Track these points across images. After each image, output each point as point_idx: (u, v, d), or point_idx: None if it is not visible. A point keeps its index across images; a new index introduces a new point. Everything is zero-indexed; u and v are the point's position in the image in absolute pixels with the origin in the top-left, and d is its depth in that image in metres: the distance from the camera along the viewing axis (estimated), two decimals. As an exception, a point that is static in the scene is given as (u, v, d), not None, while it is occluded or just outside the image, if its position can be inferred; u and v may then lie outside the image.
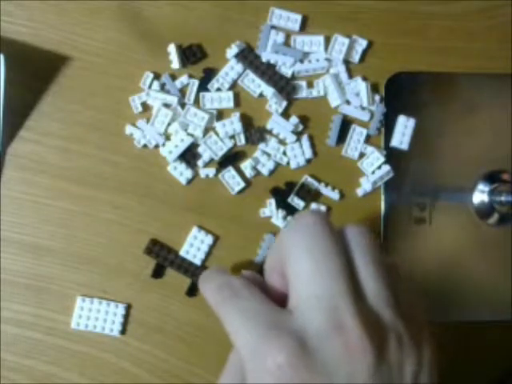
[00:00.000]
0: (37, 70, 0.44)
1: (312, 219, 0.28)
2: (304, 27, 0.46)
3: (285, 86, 0.45)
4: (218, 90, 0.45)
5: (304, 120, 0.45)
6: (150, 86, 0.44)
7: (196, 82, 0.45)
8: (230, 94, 0.45)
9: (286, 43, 0.45)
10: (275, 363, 0.24)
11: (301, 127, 0.45)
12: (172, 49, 0.44)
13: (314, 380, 0.24)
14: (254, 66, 0.45)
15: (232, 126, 0.44)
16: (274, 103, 0.45)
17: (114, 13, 0.44)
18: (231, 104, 0.45)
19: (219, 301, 0.29)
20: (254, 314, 0.27)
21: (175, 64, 0.44)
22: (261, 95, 0.45)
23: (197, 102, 0.45)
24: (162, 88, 0.45)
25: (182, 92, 0.45)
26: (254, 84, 0.45)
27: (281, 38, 0.45)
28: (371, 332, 0.24)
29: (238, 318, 0.27)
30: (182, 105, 0.45)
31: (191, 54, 0.45)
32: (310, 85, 0.46)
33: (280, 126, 0.45)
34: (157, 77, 0.45)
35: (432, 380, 0.26)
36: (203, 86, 0.45)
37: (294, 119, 0.45)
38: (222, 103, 0.45)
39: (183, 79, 0.45)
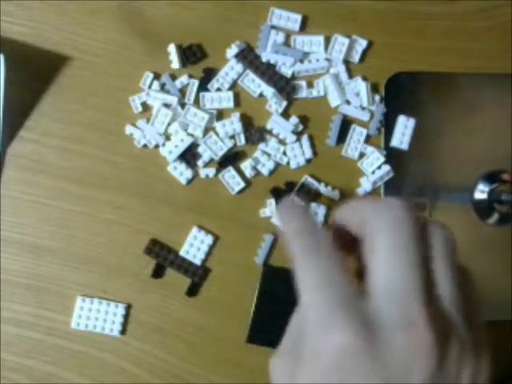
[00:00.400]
0: (37, 70, 0.44)
1: (406, 216, 0.27)
2: (304, 27, 0.46)
3: (285, 86, 0.45)
4: (218, 90, 0.45)
5: (304, 120, 0.45)
6: (150, 86, 0.44)
7: (196, 82, 0.45)
8: (230, 94, 0.45)
9: (286, 43, 0.45)
10: (337, 342, 0.24)
11: (301, 127, 0.45)
12: (172, 49, 0.44)
13: (369, 369, 0.23)
14: (254, 65, 0.45)
15: (232, 126, 0.44)
16: (274, 103, 0.45)
17: (114, 13, 0.44)
18: (231, 104, 0.45)
19: (299, 249, 0.27)
20: (333, 282, 0.25)
21: (175, 64, 0.44)
22: (261, 95, 0.45)
23: (197, 102, 0.45)
24: (162, 88, 0.45)
25: (182, 92, 0.45)
26: (254, 84, 0.45)
27: (281, 38, 0.45)
28: (439, 336, 0.24)
29: (314, 280, 0.26)
30: (182, 105, 0.45)
31: (191, 54, 0.45)
32: (310, 85, 0.46)
33: (280, 125, 0.45)
34: (157, 77, 0.44)
35: None
36: (203, 86, 0.45)
37: (293, 119, 0.45)
38: (222, 103, 0.45)
39: (183, 79, 0.45)
